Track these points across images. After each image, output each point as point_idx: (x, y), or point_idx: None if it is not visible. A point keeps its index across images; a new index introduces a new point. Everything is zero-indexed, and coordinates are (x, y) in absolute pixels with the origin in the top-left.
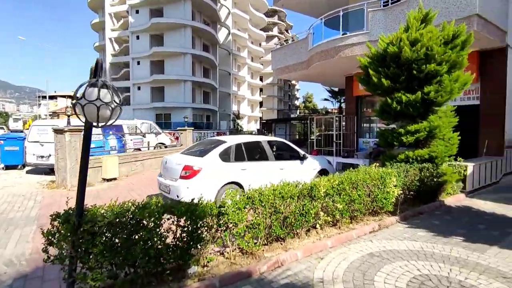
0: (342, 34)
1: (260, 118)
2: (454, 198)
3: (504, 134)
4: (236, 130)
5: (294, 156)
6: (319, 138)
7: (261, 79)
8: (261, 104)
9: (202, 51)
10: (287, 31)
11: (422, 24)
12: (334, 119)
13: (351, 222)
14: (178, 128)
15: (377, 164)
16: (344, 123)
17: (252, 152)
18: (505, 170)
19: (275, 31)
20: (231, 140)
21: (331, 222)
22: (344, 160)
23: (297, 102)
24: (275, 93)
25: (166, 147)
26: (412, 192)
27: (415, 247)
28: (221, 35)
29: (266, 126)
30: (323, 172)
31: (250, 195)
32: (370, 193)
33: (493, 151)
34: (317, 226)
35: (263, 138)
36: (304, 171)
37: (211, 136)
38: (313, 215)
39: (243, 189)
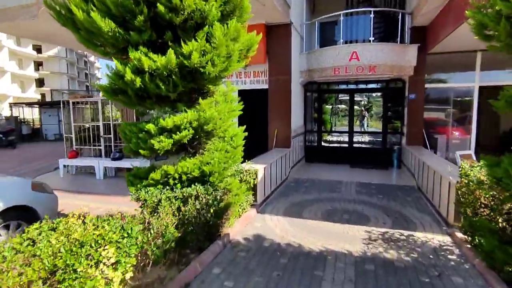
0: None
1: (39, 100)
2: (243, 222)
3: (291, 123)
4: None
5: None
6: (86, 131)
7: (39, 50)
8: (42, 83)
9: None
10: None
11: None
12: (100, 103)
13: None
14: None
15: (72, 220)
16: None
17: None
18: (292, 162)
19: None
20: None
21: None
22: (114, 163)
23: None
24: (64, 70)
25: None
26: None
27: None
28: None
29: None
30: (19, 215)
31: None
32: None
33: (282, 143)
34: None
35: None
36: None
37: None
38: None
39: None
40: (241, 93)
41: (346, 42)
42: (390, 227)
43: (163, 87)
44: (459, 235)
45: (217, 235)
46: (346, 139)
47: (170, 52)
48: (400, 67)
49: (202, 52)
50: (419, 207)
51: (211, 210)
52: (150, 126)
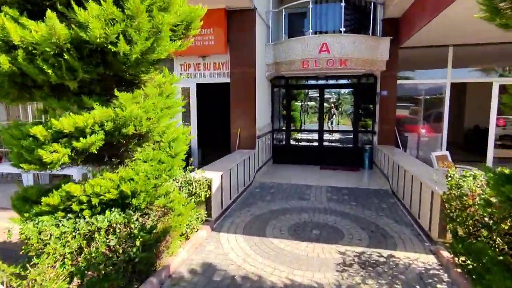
0: None
1: None
2: (192, 246)
3: (256, 122)
4: None
5: None
6: None
7: None
8: None
9: None
10: None
11: None
12: None
13: None
14: None
15: None
16: None
17: None
18: (258, 165)
19: None
20: None
21: None
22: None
23: None
24: None
25: None
26: None
27: None
28: None
29: None
30: None
31: None
32: None
33: (246, 144)
34: None
35: None
36: None
37: None
38: None
39: None
40: (200, 87)
41: (316, 33)
42: (366, 245)
43: (49, 71)
44: (445, 254)
45: (152, 270)
46: (316, 137)
47: (51, 16)
48: (372, 61)
49: (109, 21)
50: (396, 217)
51: (137, 243)
52: (37, 130)
